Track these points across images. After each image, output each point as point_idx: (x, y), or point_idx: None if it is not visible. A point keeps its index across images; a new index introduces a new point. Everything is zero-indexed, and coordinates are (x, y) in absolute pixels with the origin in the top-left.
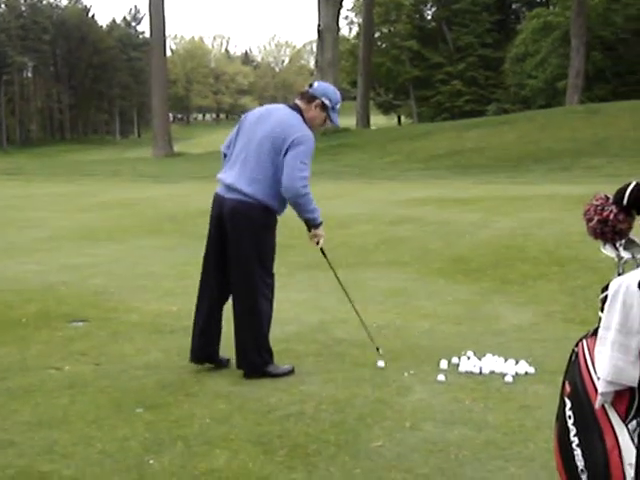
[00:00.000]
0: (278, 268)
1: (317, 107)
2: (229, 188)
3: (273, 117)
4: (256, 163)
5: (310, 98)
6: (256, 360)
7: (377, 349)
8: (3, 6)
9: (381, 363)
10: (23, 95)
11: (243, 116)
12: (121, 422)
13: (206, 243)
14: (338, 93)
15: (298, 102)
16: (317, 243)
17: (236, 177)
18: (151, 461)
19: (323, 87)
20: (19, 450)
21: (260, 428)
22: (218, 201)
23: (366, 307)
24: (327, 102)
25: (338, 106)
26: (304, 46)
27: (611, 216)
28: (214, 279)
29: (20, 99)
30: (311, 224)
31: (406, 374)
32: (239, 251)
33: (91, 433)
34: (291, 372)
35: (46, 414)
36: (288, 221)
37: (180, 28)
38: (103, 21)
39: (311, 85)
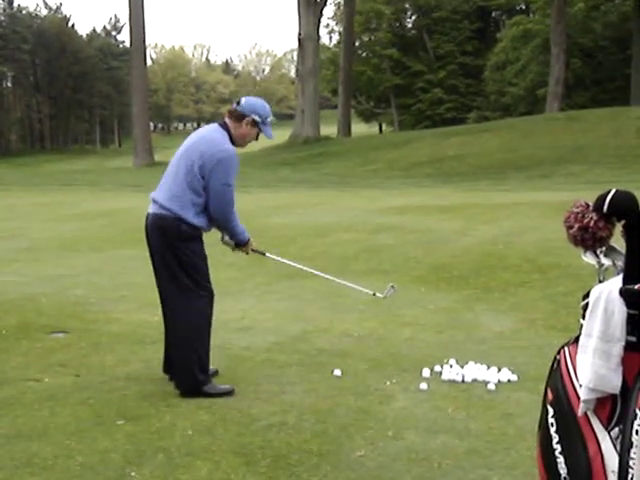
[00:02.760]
0: (255, 278)
1: (248, 124)
2: (152, 202)
3: (196, 134)
4: (174, 178)
5: (239, 116)
6: (189, 380)
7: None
8: None
9: (337, 372)
10: (2, 105)
11: None
12: (102, 434)
13: None
14: (267, 106)
15: (227, 120)
16: (247, 252)
17: (157, 191)
18: (132, 473)
19: (251, 103)
20: None
21: (242, 439)
22: (146, 219)
23: (347, 316)
24: (257, 118)
25: (269, 119)
26: (285, 55)
27: (591, 223)
28: (161, 299)
29: None
30: (240, 244)
31: (388, 383)
32: (161, 264)
33: (71, 445)
34: (230, 393)
35: (26, 426)
36: (265, 231)
37: (160, 37)
38: (83, 30)
39: (238, 102)
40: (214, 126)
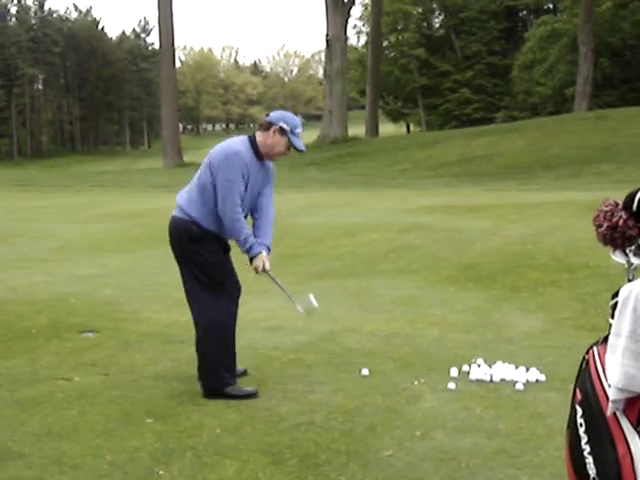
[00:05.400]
0: (283, 277)
1: (276, 132)
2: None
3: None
4: (195, 183)
5: (268, 126)
6: (212, 380)
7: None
8: (14, 19)
9: (365, 371)
10: (34, 107)
11: None
12: (131, 433)
13: None
14: (296, 118)
15: (257, 133)
16: (256, 271)
17: (179, 194)
18: (161, 472)
19: (279, 113)
20: (28, 461)
21: (270, 438)
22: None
23: (375, 315)
24: (285, 126)
25: (298, 130)
26: (313, 56)
27: (620, 222)
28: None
29: (31, 111)
30: (248, 255)
31: (416, 382)
32: (181, 264)
33: (100, 444)
34: (254, 395)
35: (55, 425)
36: (293, 231)
37: (189, 39)
38: (113, 33)
39: (268, 115)
40: (239, 136)
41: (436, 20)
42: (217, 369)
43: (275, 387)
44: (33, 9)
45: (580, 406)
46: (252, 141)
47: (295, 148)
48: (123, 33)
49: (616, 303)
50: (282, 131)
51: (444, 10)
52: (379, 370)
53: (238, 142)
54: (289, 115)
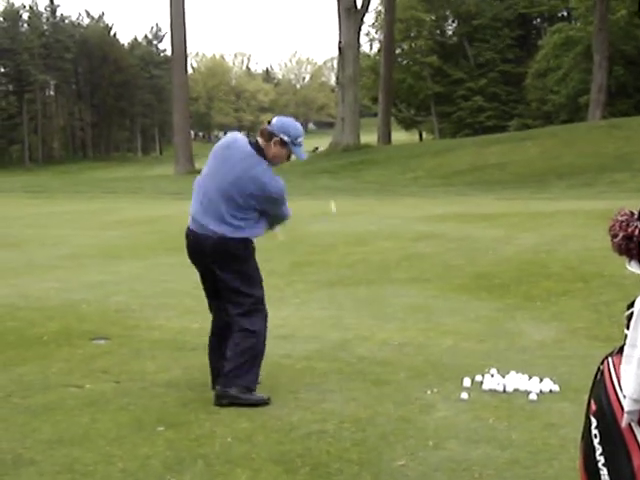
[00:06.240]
0: (295, 285)
1: (276, 144)
2: None
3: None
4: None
5: (269, 135)
6: (253, 381)
7: None
8: (25, 25)
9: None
10: (45, 113)
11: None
12: (142, 440)
13: None
14: (299, 127)
15: (259, 139)
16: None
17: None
18: None
19: (281, 123)
20: (40, 468)
21: (282, 447)
22: None
23: (387, 324)
24: (286, 138)
25: (300, 140)
26: (325, 63)
27: (636, 232)
28: None
29: (42, 117)
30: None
31: (429, 392)
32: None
33: (112, 451)
34: (266, 402)
35: (67, 432)
36: (306, 239)
37: (201, 46)
38: (125, 39)
39: (269, 122)
40: (247, 149)
41: (449, 27)
42: (257, 371)
43: (287, 396)
44: (45, 15)
45: (594, 417)
46: (252, 142)
47: (298, 157)
48: (135, 39)
49: (631, 314)
50: (283, 143)
51: (457, 17)
52: (391, 379)
53: (259, 160)
54: (291, 124)
